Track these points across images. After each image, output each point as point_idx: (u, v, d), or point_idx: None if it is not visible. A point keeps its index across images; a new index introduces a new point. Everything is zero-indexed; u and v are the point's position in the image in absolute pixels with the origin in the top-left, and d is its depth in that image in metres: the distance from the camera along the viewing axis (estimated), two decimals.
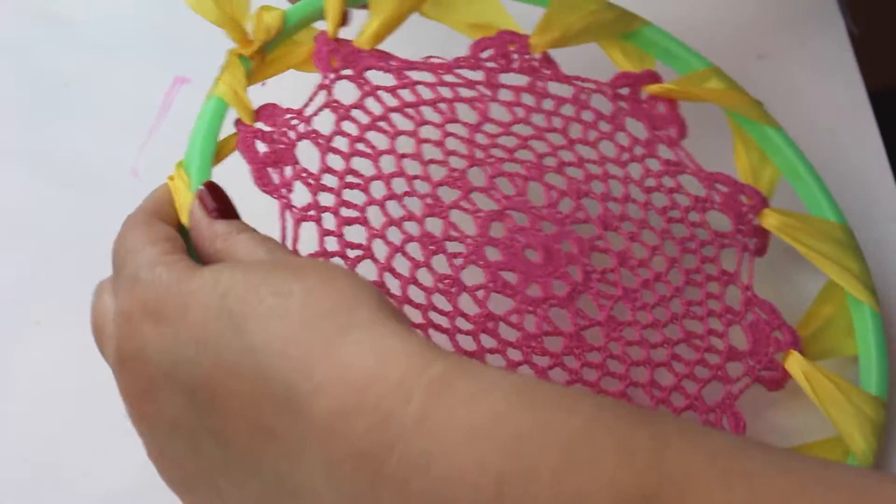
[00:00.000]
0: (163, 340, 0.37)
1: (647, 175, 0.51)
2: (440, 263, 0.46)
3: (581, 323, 0.47)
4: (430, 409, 0.32)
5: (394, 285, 0.45)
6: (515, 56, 0.52)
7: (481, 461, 0.31)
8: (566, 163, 0.51)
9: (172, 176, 0.44)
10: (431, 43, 0.51)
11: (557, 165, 0.50)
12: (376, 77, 0.49)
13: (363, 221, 0.46)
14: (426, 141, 0.49)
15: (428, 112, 0.49)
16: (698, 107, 0.54)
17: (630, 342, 0.47)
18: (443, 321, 0.45)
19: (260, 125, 0.46)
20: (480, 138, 0.50)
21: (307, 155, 0.46)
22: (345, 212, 0.46)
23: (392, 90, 0.49)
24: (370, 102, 0.48)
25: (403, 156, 0.48)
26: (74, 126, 0.59)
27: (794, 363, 0.49)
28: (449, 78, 0.50)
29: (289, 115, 0.46)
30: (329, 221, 0.45)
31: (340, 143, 0.47)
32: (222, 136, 0.45)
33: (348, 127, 0.47)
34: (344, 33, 0.49)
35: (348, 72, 0.48)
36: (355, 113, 0.48)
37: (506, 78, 0.51)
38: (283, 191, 0.45)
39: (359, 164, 0.47)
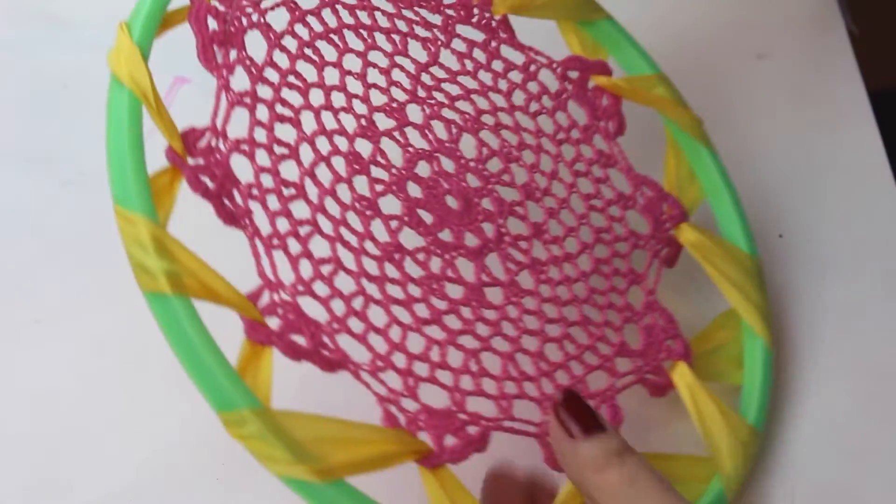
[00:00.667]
0: None
1: (579, 159, 0.51)
2: (361, 185, 0.45)
3: (485, 279, 0.46)
4: None
5: (312, 193, 0.44)
6: (476, 11, 0.51)
7: None
8: (503, 125, 0.50)
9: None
10: None
11: (494, 125, 0.50)
12: None
13: (295, 123, 0.44)
14: (373, 65, 0.48)
15: (380, 38, 0.48)
16: (640, 109, 0.54)
17: (528, 310, 0.47)
18: (352, 240, 0.44)
19: (215, 3, 0.44)
20: (426, 78, 0.49)
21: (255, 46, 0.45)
22: (279, 108, 0.44)
23: (351, 8, 0.48)
24: (327, 14, 0.47)
25: (348, 72, 0.47)
26: (74, 126, 0.58)
27: (681, 375, 0.48)
28: (408, 13, 0.49)
29: (245, 2, 0.45)
30: (262, 113, 0.44)
31: (290, 44, 0.46)
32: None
33: (301, 31, 0.46)
34: None
35: None
36: (311, 19, 0.47)
37: (462, 30, 0.51)
38: (224, 72, 0.43)
39: (303, 68, 0.46)
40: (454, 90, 0.50)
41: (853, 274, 0.55)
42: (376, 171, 0.46)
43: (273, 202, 0.42)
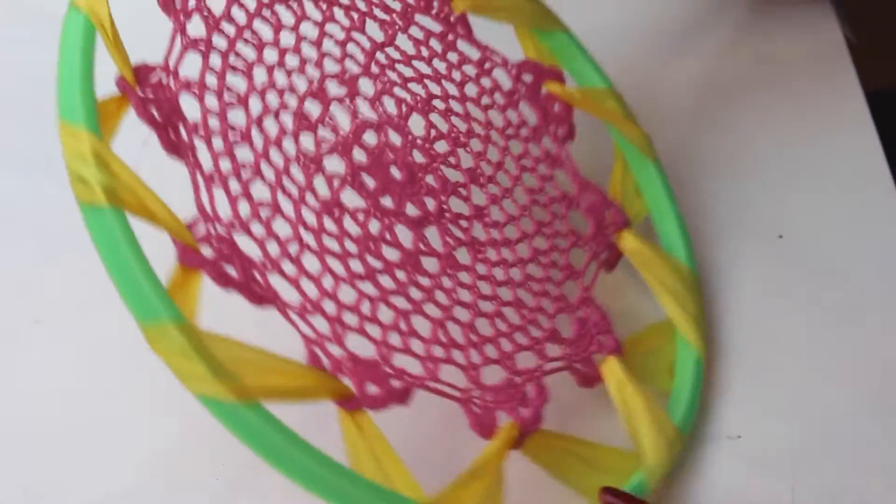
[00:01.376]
0: None
1: (525, 156, 0.52)
2: (307, 142, 0.46)
3: (422, 248, 0.47)
4: None
5: (258, 142, 0.44)
6: (436, 4, 0.52)
7: None
8: (454, 112, 0.51)
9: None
10: None
11: (444, 111, 0.51)
12: None
13: (247, 75, 0.45)
14: (329, 36, 0.49)
15: (339, 13, 0.49)
16: (592, 120, 0.55)
17: (462, 284, 0.47)
18: (293, 190, 0.44)
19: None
20: (380, 57, 0.50)
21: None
22: (233, 59, 0.45)
23: None
24: None
25: (303, 38, 0.48)
26: None
27: (611, 369, 0.48)
28: None
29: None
30: (215, 61, 0.44)
31: (250, 4, 0.47)
32: None
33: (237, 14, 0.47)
34: None
35: None
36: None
37: (420, 20, 0.52)
38: (182, 16, 0.44)
39: (259, 27, 0.47)
40: (408, 72, 0.50)
41: (853, 274, 0.55)
42: (323, 132, 0.46)
43: (218, 143, 0.43)
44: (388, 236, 0.46)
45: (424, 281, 0.46)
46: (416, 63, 0.51)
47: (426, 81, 0.51)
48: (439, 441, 0.47)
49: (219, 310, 0.40)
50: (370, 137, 0.48)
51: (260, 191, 0.43)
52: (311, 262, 0.43)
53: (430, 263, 0.47)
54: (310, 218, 0.44)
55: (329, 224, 0.45)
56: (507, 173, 0.51)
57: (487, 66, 0.53)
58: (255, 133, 0.44)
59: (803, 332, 0.53)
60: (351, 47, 0.49)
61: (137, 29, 0.45)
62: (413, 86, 0.50)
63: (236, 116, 0.44)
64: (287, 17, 0.48)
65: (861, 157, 0.58)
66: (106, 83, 0.42)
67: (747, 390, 0.51)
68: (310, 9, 0.49)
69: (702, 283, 0.54)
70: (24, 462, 0.48)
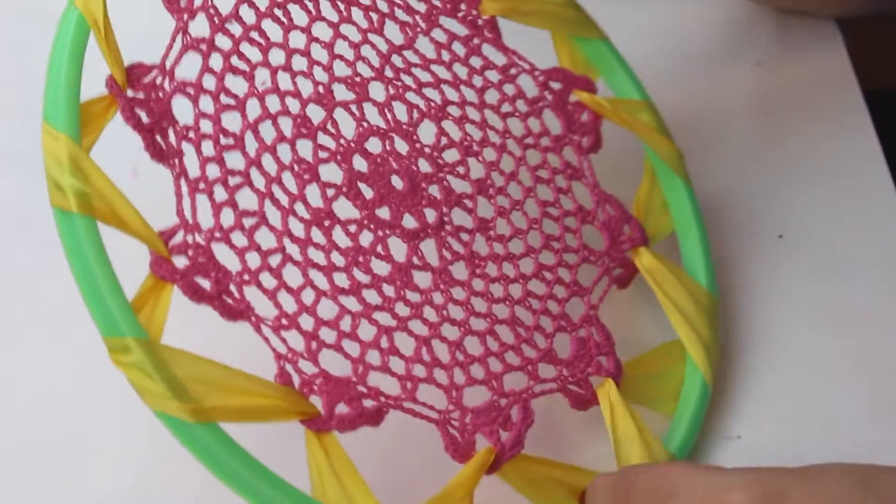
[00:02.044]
0: None
1: (542, 166, 0.51)
2: (305, 149, 0.45)
3: (415, 262, 0.46)
4: None
5: (251, 147, 0.44)
6: (463, 7, 0.51)
7: None
8: (469, 119, 0.50)
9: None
10: None
11: (459, 118, 0.50)
12: None
13: (248, 77, 0.45)
14: (343, 37, 0.48)
15: (357, 14, 0.49)
16: (621, 131, 0.54)
17: (455, 300, 0.46)
18: (283, 199, 0.44)
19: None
20: (396, 60, 0.49)
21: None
22: (235, 61, 0.45)
23: None
24: None
25: (315, 39, 0.47)
26: None
27: (606, 392, 0.47)
28: None
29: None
30: (216, 62, 0.44)
31: (261, 2, 0.46)
32: None
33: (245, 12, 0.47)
34: None
35: None
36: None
37: (445, 22, 0.51)
38: (185, 15, 0.44)
39: (268, 27, 0.46)
40: (424, 77, 0.50)
41: (853, 274, 0.55)
42: (323, 139, 0.46)
43: (208, 148, 0.43)
44: (379, 249, 0.45)
45: (413, 297, 0.46)
46: (434, 67, 0.50)
47: (443, 86, 0.50)
48: (413, 464, 0.47)
49: (195, 316, 0.41)
50: (374, 145, 0.47)
51: (247, 199, 0.43)
52: (293, 275, 0.43)
53: (423, 278, 0.46)
54: (297, 228, 0.44)
55: (317, 235, 0.44)
56: (519, 184, 0.50)
57: (513, 71, 0.52)
58: (249, 138, 0.44)
59: (803, 331, 0.53)
60: (365, 49, 0.48)
61: (142, 30, 0.45)
62: (428, 91, 0.49)
63: (232, 120, 0.44)
64: (300, 18, 0.47)
65: (861, 157, 0.58)
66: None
67: (747, 390, 0.51)
68: (326, 9, 0.48)
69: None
70: (24, 462, 0.48)
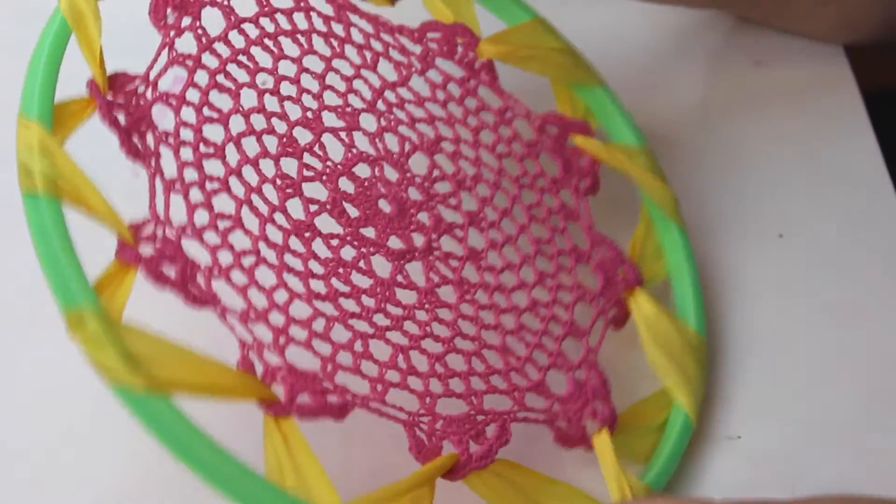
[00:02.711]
0: None
1: (538, 205, 0.50)
2: (290, 166, 0.45)
3: (400, 280, 0.45)
4: None
5: (232, 159, 0.44)
6: (460, 49, 0.52)
7: None
8: (462, 155, 0.50)
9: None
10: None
11: (452, 153, 0.50)
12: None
13: (234, 95, 0.45)
14: (335, 70, 0.48)
15: (351, 51, 0.49)
16: (614, 175, 0.53)
17: (440, 319, 0.45)
18: (264, 209, 0.44)
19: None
20: (390, 96, 0.49)
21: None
22: (220, 79, 0.45)
23: (326, 18, 0.49)
24: (298, 18, 0.48)
25: (305, 70, 0.48)
26: None
27: (601, 441, 0.46)
28: (387, 37, 0.50)
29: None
30: (201, 78, 0.45)
31: (251, 31, 0.47)
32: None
33: (266, 24, 0.47)
34: None
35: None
36: (279, 17, 0.48)
37: (441, 63, 0.51)
38: (172, 32, 0.45)
39: (257, 54, 0.47)
40: (418, 113, 0.50)
41: (853, 273, 0.55)
42: (309, 159, 0.46)
43: (187, 153, 0.43)
44: (362, 264, 0.45)
45: (395, 311, 0.45)
46: (428, 104, 0.50)
47: (437, 123, 0.50)
48: (383, 459, 0.46)
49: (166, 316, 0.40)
50: (363, 170, 0.47)
51: (225, 203, 0.43)
52: (267, 276, 0.43)
53: (407, 296, 0.45)
54: (275, 236, 0.44)
55: (295, 243, 0.44)
56: (513, 221, 0.49)
57: (508, 115, 0.52)
58: (231, 150, 0.44)
59: (803, 331, 0.53)
60: (358, 83, 0.49)
61: (134, 38, 0.46)
62: (421, 125, 0.49)
63: (214, 132, 0.44)
64: (291, 50, 0.48)
65: (860, 157, 0.58)
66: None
67: (747, 390, 0.51)
68: (318, 45, 0.49)
69: (710, 350, 0.52)
70: (24, 461, 0.48)
